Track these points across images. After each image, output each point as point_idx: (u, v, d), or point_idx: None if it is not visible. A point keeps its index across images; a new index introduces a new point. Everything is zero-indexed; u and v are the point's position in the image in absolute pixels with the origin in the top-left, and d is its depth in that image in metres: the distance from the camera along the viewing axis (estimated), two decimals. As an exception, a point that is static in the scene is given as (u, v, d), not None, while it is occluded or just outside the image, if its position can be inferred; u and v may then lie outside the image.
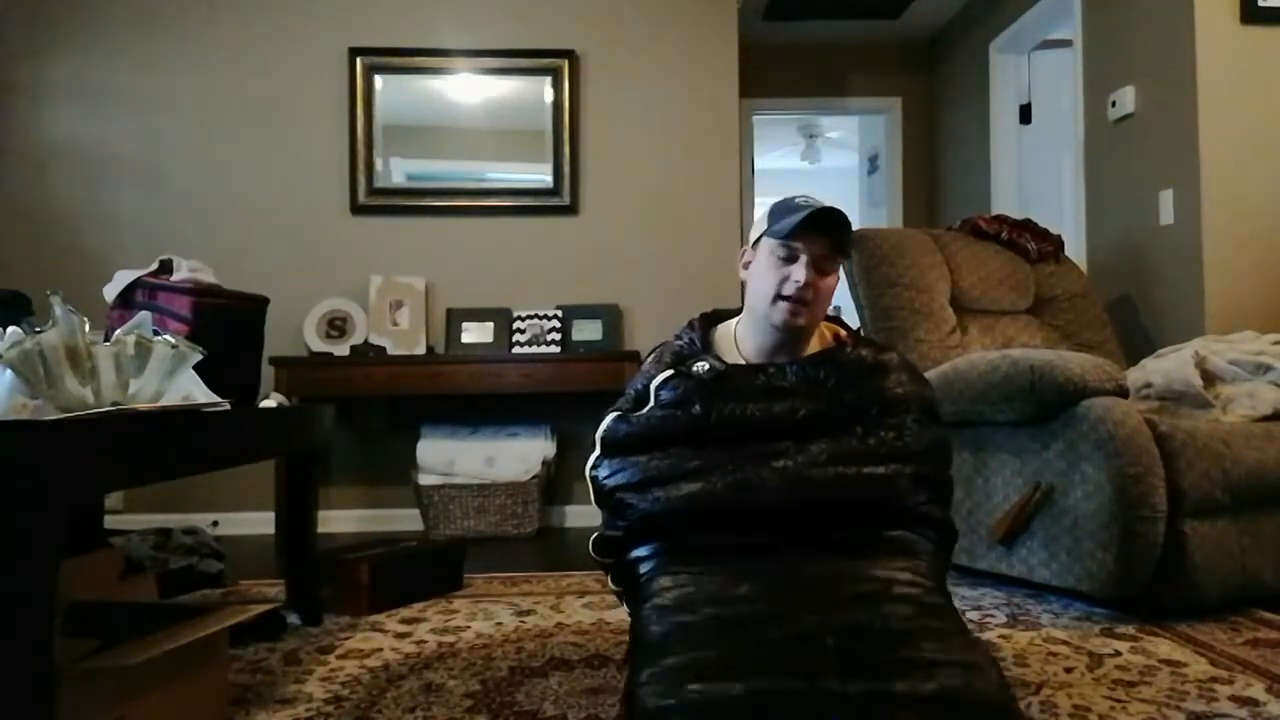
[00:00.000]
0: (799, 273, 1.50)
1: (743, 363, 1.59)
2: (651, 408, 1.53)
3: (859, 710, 1.11)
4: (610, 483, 1.51)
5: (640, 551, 1.46)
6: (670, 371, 1.55)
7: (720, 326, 1.70)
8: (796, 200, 1.55)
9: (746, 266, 1.63)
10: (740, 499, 1.42)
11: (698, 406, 1.49)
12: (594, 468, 1.55)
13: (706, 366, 1.54)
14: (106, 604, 1.58)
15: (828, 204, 1.52)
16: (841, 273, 2.88)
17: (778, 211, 1.56)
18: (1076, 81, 3.62)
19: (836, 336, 1.66)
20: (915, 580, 1.36)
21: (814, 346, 1.61)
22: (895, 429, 1.48)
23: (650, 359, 1.65)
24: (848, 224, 1.53)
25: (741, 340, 1.63)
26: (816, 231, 1.50)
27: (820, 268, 1.52)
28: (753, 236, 1.63)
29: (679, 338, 1.66)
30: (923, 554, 1.42)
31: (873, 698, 1.12)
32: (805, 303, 1.52)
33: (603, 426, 1.56)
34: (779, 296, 1.52)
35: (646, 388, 1.56)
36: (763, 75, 4.95)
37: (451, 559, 2.43)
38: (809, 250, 1.51)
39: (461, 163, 3.70)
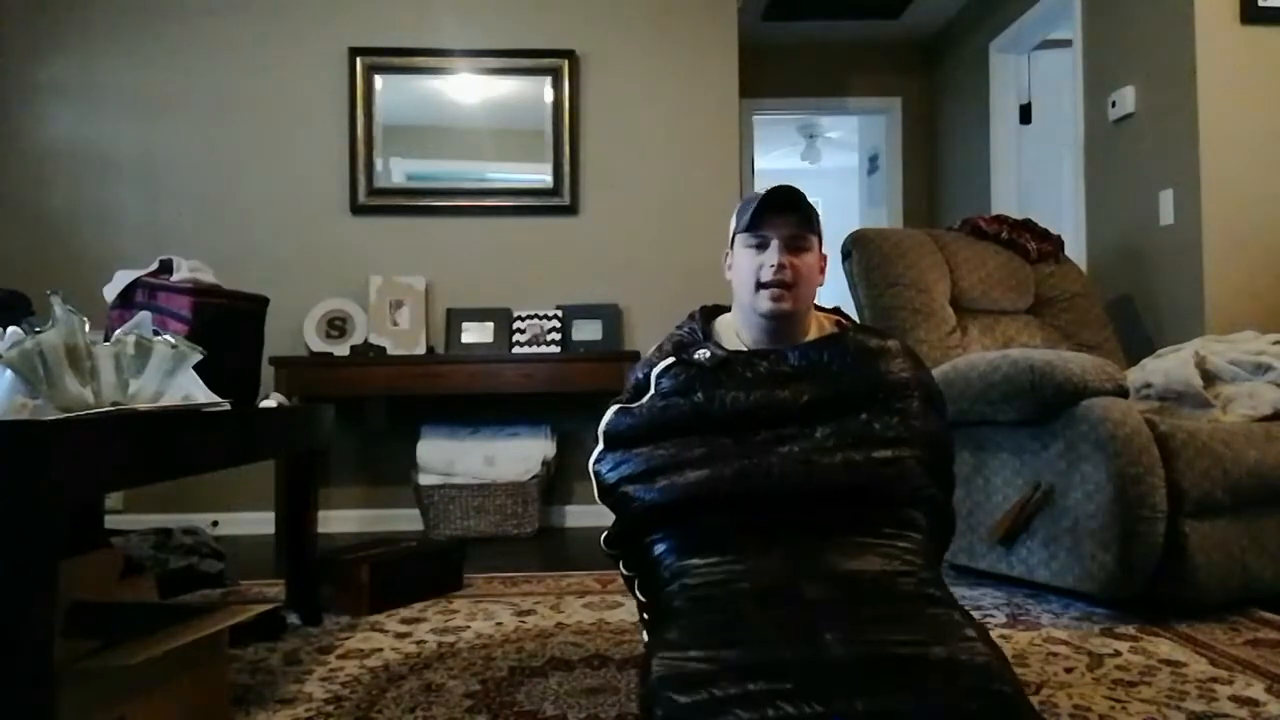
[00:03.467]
0: (772, 256, 1.54)
1: (744, 350, 1.59)
2: (652, 396, 1.53)
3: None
4: (613, 476, 1.50)
5: (654, 538, 1.44)
6: (671, 359, 1.55)
7: (720, 318, 1.70)
8: (760, 191, 1.58)
9: (730, 267, 1.65)
10: (747, 485, 1.41)
11: (700, 394, 1.49)
12: (597, 462, 1.54)
13: (708, 354, 1.54)
14: (106, 604, 1.58)
15: (786, 187, 1.55)
16: (842, 273, 2.93)
17: (743, 207, 1.61)
18: (1076, 81, 3.62)
19: (838, 324, 1.67)
20: (911, 568, 1.36)
21: (813, 334, 1.62)
22: (900, 413, 1.48)
23: (653, 350, 1.65)
24: (805, 199, 1.57)
25: (741, 332, 1.64)
26: (779, 213, 1.54)
27: (791, 247, 1.55)
28: (730, 237, 1.67)
29: (680, 328, 1.66)
30: (921, 536, 1.42)
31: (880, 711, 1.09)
32: (786, 285, 1.53)
33: (604, 420, 1.55)
34: (759, 285, 1.55)
35: (647, 376, 1.56)
36: (763, 75, 4.95)
37: (451, 559, 2.43)
38: (777, 233, 1.55)
39: (461, 163, 3.70)
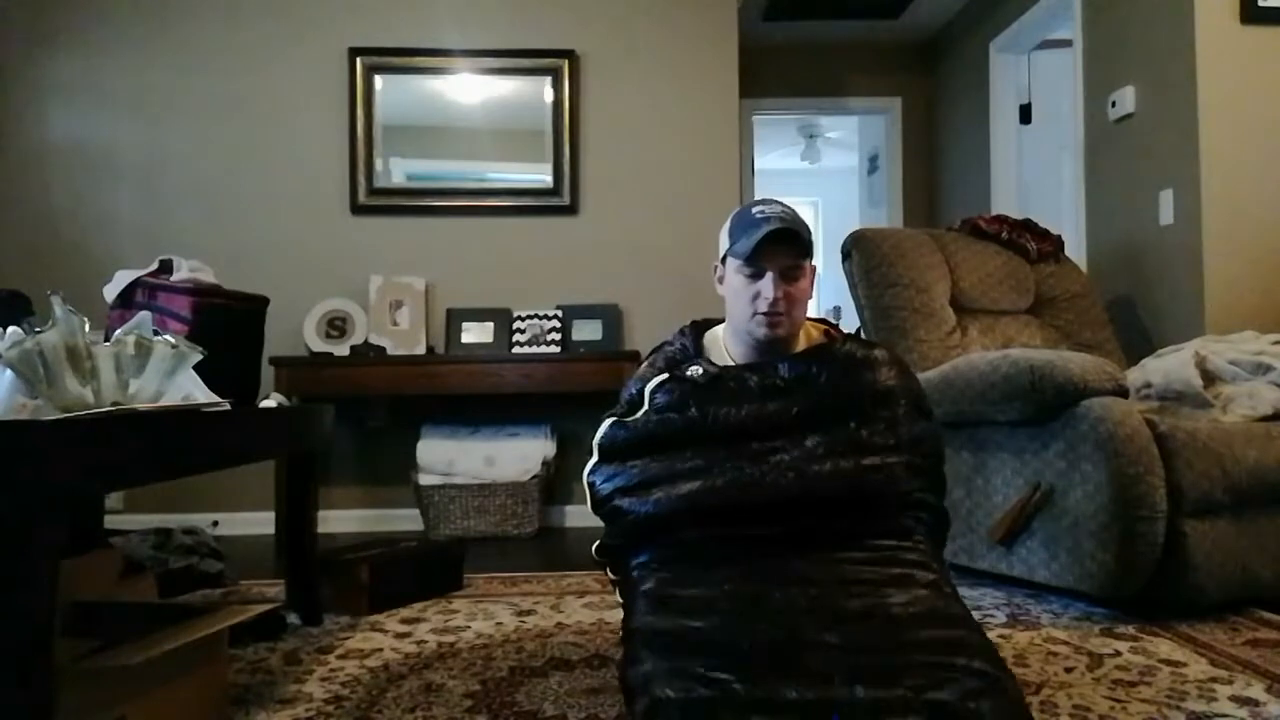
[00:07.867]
0: (768, 289, 1.54)
1: (734, 365, 1.61)
2: (646, 412, 1.55)
3: (865, 713, 1.10)
4: (607, 488, 1.52)
5: (639, 558, 1.47)
6: (664, 376, 1.57)
7: (710, 333, 1.73)
8: (754, 212, 1.58)
9: (721, 281, 1.66)
10: (740, 495, 1.43)
11: (693, 409, 1.51)
12: (591, 474, 1.56)
13: (700, 370, 1.56)
14: (106, 604, 1.58)
15: (782, 214, 1.56)
16: (841, 272, 2.93)
17: (737, 227, 1.60)
18: (1076, 81, 3.62)
19: (826, 334, 1.69)
20: (921, 561, 1.39)
21: (801, 345, 1.64)
22: (887, 420, 1.51)
23: (644, 365, 1.67)
24: (806, 232, 1.57)
25: (730, 347, 1.67)
26: (776, 245, 1.54)
27: (787, 277, 1.55)
28: (720, 251, 1.66)
29: (671, 344, 1.69)
30: (921, 539, 1.45)
31: (878, 704, 1.10)
32: (781, 313, 1.55)
33: (599, 433, 1.57)
34: (755, 313, 1.56)
35: (640, 392, 1.57)
36: (763, 75, 4.96)
37: (451, 559, 2.43)
38: (773, 265, 1.55)
39: (461, 163, 3.70)
